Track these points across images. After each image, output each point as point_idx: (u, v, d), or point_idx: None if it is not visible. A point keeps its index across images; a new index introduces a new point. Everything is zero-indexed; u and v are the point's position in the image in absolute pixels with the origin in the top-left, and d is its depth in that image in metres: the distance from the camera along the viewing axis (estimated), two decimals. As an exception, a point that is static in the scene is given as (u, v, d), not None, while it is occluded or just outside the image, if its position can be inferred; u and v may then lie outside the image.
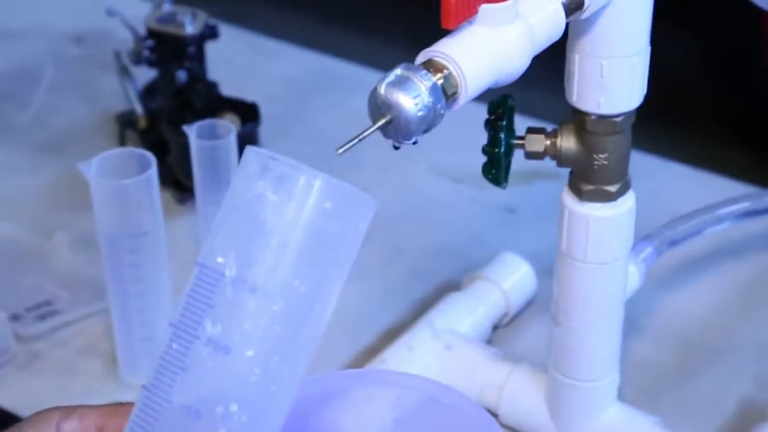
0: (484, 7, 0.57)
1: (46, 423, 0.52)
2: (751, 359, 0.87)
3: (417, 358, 0.83)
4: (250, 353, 0.47)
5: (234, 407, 0.48)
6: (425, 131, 0.57)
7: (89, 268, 0.97)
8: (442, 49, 0.57)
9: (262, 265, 0.47)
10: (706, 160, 1.09)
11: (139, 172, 0.81)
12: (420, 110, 0.55)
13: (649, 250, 0.79)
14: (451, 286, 0.92)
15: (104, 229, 0.82)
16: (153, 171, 0.81)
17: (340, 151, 0.54)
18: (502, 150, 0.70)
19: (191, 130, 0.89)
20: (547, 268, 0.92)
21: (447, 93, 0.56)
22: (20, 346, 0.90)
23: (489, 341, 0.88)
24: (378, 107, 0.56)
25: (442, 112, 0.56)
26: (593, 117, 0.68)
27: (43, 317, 0.93)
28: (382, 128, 0.56)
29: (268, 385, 0.48)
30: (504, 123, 0.70)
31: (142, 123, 1.09)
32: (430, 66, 0.56)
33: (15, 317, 0.91)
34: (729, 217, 0.82)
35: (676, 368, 0.87)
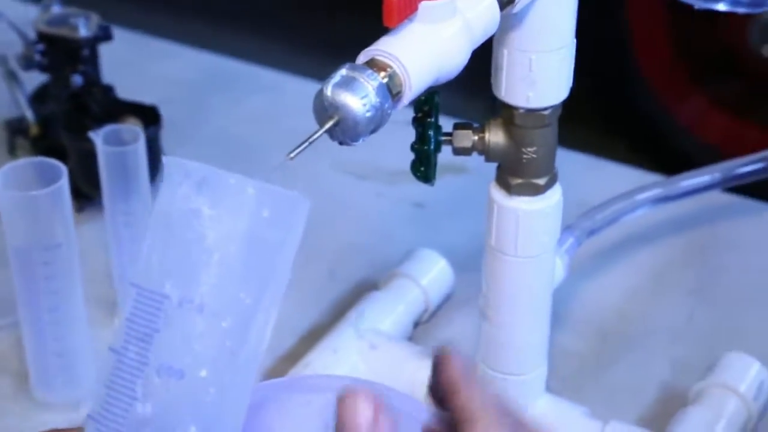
0: (423, 5, 0.57)
1: None
2: (666, 344, 0.89)
3: (342, 360, 0.82)
4: (203, 374, 0.46)
5: (192, 430, 0.46)
6: (372, 131, 0.56)
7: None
8: (385, 48, 0.56)
9: (206, 284, 0.46)
10: (590, 148, 1.11)
11: (45, 182, 0.78)
12: (368, 111, 0.55)
13: (570, 240, 0.80)
14: (368, 285, 0.92)
15: (14, 242, 0.79)
16: (64, 181, 0.78)
17: (291, 156, 0.53)
18: (432, 147, 0.70)
19: (97, 137, 0.86)
20: (460, 262, 0.92)
21: (392, 92, 0.56)
22: (-76, 367, 0.87)
23: (411, 338, 0.88)
24: (325, 109, 0.55)
25: (389, 111, 0.56)
26: (522, 111, 0.68)
27: (-55, 336, 0.89)
28: (328, 130, 0.55)
29: (223, 402, 0.47)
30: (432, 120, 0.70)
31: (34, 130, 1.06)
32: (374, 65, 0.56)
33: None
34: (644, 203, 0.84)
35: (597, 357, 0.88)
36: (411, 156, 1.05)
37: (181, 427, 0.46)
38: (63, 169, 0.78)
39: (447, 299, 0.92)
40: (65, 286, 0.81)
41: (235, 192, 0.47)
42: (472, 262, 0.94)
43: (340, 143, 0.56)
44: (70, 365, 0.83)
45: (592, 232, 0.82)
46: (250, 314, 0.47)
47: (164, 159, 0.48)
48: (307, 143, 0.54)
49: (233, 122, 1.12)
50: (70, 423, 0.53)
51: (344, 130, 0.55)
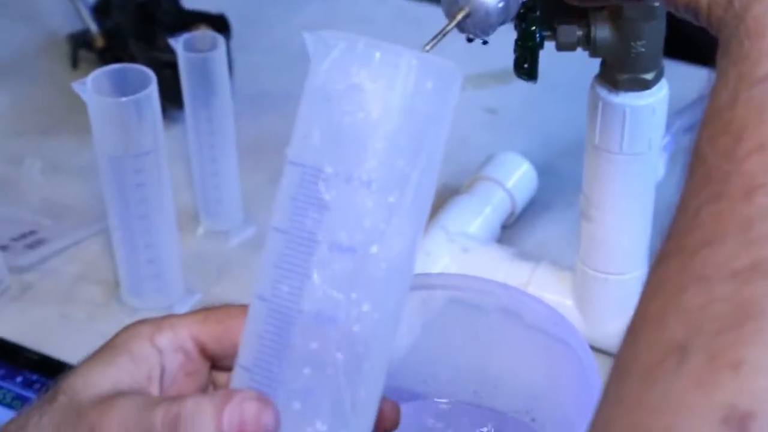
0: None
1: (140, 338, 0.49)
2: None
3: (435, 262, 0.82)
4: (374, 250, 0.45)
5: (366, 307, 0.46)
6: (501, 23, 0.55)
7: (65, 194, 0.94)
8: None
9: (373, 159, 0.45)
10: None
11: (132, 89, 0.77)
12: (500, 1, 0.54)
13: (667, 138, 0.79)
14: (449, 190, 0.91)
15: (105, 149, 0.78)
16: (153, 87, 0.77)
17: (427, 48, 0.52)
18: (537, 43, 0.69)
19: (177, 44, 0.85)
20: (537, 166, 0.91)
21: (522, -18, 0.55)
22: (12, 277, 0.87)
23: (499, 241, 0.87)
24: (455, 1, 0.54)
25: (518, 1, 0.55)
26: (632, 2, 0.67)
27: (31, 246, 0.89)
28: (459, 23, 0.54)
29: (392, 278, 0.46)
30: (536, 15, 0.69)
31: (100, 42, 1.05)
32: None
33: (2, 248, 0.87)
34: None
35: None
36: (478, 62, 1.04)
37: (355, 304, 0.45)
38: (152, 75, 0.78)
39: (531, 202, 0.91)
40: (155, 194, 0.80)
41: (397, 64, 0.45)
42: (548, 167, 0.94)
43: (469, 40, 0.55)
44: (160, 272, 0.83)
45: (688, 130, 0.81)
46: (415, 188, 0.46)
47: (306, 35, 0.47)
48: (440, 36, 0.53)
49: (289, 33, 1.11)
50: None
51: (475, 23, 0.54)
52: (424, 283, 0.69)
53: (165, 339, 0.49)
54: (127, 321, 0.82)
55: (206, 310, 0.50)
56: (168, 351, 0.49)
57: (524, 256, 0.82)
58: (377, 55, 0.45)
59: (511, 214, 0.89)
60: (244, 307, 0.49)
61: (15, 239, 0.89)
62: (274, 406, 0.44)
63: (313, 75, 0.46)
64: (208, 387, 0.50)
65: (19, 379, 0.79)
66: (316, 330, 0.45)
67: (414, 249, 0.47)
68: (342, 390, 0.45)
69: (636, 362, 0.38)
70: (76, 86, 0.77)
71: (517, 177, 0.90)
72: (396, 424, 0.50)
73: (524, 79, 0.71)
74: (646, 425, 0.36)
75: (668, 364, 0.37)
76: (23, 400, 0.78)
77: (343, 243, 0.45)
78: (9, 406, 0.78)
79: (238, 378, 0.46)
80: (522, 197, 0.90)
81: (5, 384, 0.79)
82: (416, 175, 0.46)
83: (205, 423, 0.44)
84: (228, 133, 0.88)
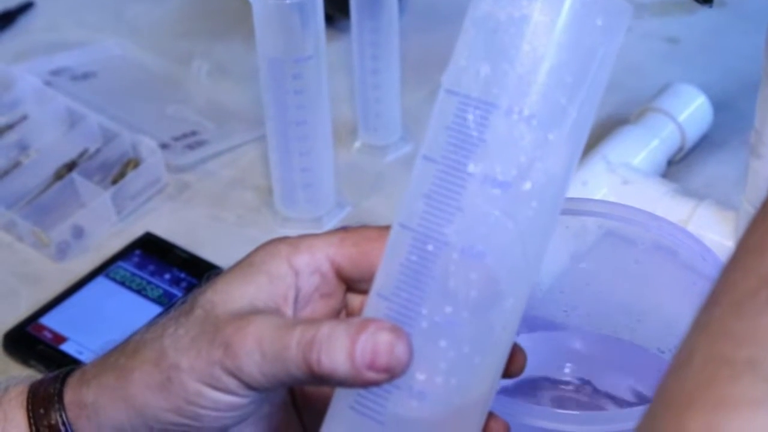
0: None
1: (277, 258, 0.48)
2: None
3: (592, 193, 0.79)
4: (527, 186, 0.43)
5: (513, 243, 0.44)
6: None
7: (229, 98, 0.94)
8: None
9: (536, 93, 0.43)
10: None
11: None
12: None
13: None
14: (617, 120, 0.88)
15: (267, 52, 0.78)
16: (318, -9, 0.76)
17: None
18: (717, -35, 0.64)
19: (347, -49, 0.83)
20: (715, 101, 0.87)
21: None
22: (169, 176, 0.87)
23: (664, 176, 0.84)
24: None
25: None
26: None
27: (191, 147, 0.89)
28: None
29: (543, 216, 0.44)
30: (719, -65, 0.64)
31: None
32: None
33: (163, 146, 0.88)
34: None
35: None
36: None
37: (501, 235, 0.44)
38: (317, -21, 0.76)
39: (703, 139, 0.87)
40: (313, 101, 0.79)
41: None
42: (728, 101, 0.89)
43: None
44: (313, 181, 0.82)
45: None
46: (574, 128, 0.44)
47: None
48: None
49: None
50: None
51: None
52: (575, 208, 0.66)
53: (302, 260, 0.48)
54: (277, 228, 0.84)
55: (343, 232, 0.49)
56: (304, 272, 0.48)
57: (687, 192, 0.78)
58: None
59: (680, 149, 0.85)
60: (380, 230, 0.48)
61: (176, 138, 0.90)
62: (408, 338, 0.43)
63: (477, 1, 0.44)
64: (341, 310, 0.50)
65: (167, 276, 0.80)
66: (461, 264, 0.43)
67: (566, 187, 0.45)
68: (479, 326, 0.44)
69: (728, 292, 0.36)
70: (241, -13, 0.76)
71: (691, 110, 0.85)
72: (521, 370, 0.49)
73: (700, 3, 0.67)
74: (728, 355, 0.34)
75: (761, 296, 0.35)
76: (170, 297, 0.79)
77: (497, 177, 0.43)
78: (156, 301, 0.79)
79: (374, 306, 0.45)
80: (693, 132, 0.85)
81: (154, 280, 0.80)
82: (576, 112, 0.44)
83: (339, 349, 0.43)
84: (392, 46, 0.86)
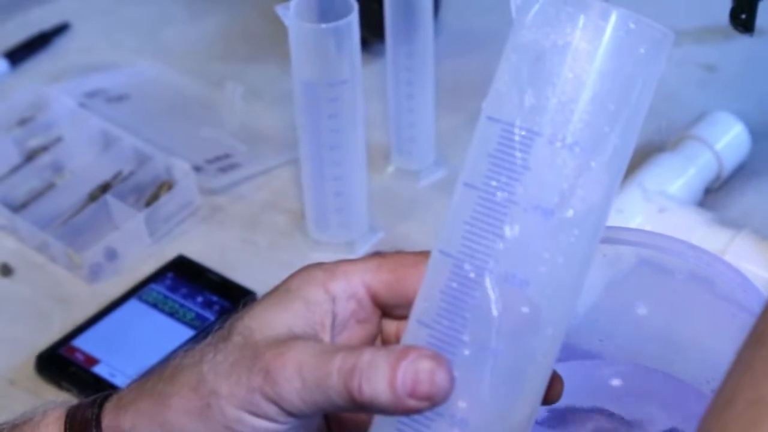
0: None
1: (314, 284, 0.48)
2: None
3: (627, 221, 0.78)
4: (570, 214, 0.43)
5: (554, 271, 0.44)
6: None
7: (263, 121, 0.94)
8: None
9: (579, 121, 0.43)
10: None
11: (335, 16, 0.76)
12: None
13: None
14: (653, 147, 0.87)
15: (302, 75, 0.78)
16: (355, 15, 0.76)
17: None
18: (758, -8, 0.64)
19: (384, -25, 0.83)
20: (754, 129, 0.86)
21: None
22: (202, 198, 0.87)
23: (701, 205, 0.83)
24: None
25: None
26: None
27: (224, 170, 0.89)
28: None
29: (584, 244, 0.44)
30: (759, -38, 0.64)
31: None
32: None
33: (196, 169, 0.88)
34: None
35: None
36: (699, 16, 0.99)
37: (545, 268, 0.44)
38: (354, 3, 0.76)
39: (740, 167, 0.86)
40: (347, 125, 0.79)
41: (611, 25, 0.43)
42: (765, 131, 0.88)
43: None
44: (346, 206, 0.82)
45: None
46: (615, 155, 0.44)
47: None
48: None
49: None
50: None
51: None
52: (612, 236, 0.65)
53: (338, 286, 0.48)
54: (309, 252, 0.84)
55: (379, 258, 0.49)
56: (341, 298, 0.48)
57: (725, 222, 0.77)
58: (592, 13, 0.43)
59: (717, 178, 0.84)
60: (417, 256, 0.48)
61: (209, 161, 0.90)
62: (449, 366, 0.43)
63: (519, 28, 0.44)
64: (377, 335, 0.50)
65: (199, 298, 0.80)
66: (503, 292, 0.43)
67: (606, 215, 0.45)
68: (521, 354, 0.44)
69: None
70: (279, 10, 0.76)
71: (728, 139, 0.84)
72: (559, 397, 0.49)
73: (740, 31, 0.67)
74: None
75: None
76: (202, 320, 0.79)
77: (540, 205, 0.43)
78: (189, 324, 0.79)
79: (414, 333, 0.45)
80: (731, 161, 0.84)
81: (186, 302, 0.80)
82: (618, 140, 0.44)
83: (380, 377, 0.43)
84: (427, 70, 0.86)
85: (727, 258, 0.75)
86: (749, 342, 0.36)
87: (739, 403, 0.35)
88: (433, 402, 0.43)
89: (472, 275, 0.44)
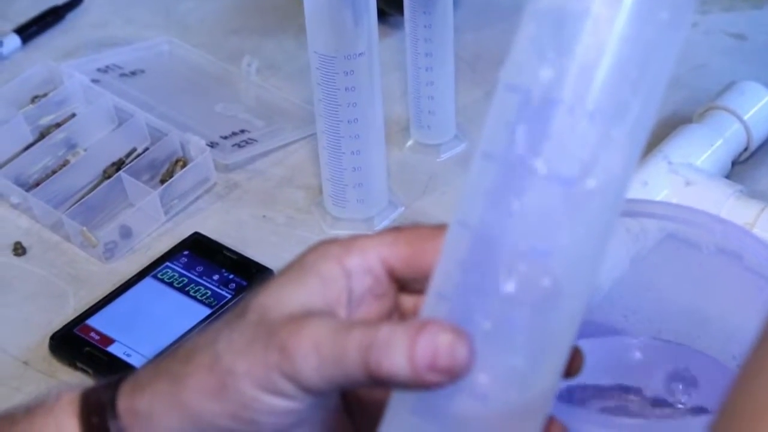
0: None
1: (329, 260, 0.47)
2: None
3: (653, 194, 0.76)
4: (591, 183, 0.42)
5: (575, 242, 0.42)
6: None
7: (280, 96, 0.92)
8: None
9: (600, 90, 0.42)
10: None
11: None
12: None
13: None
14: (681, 119, 0.85)
15: (318, 49, 0.76)
16: (371, -14, 0.74)
17: None
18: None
19: (401, -55, 0.81)
20: (783, 100, 0.84)
21: None
22: (218, 175, 0.86)
23: (728, 177, 0.81)
24: None
25: None
26: None
27: (240, 146, 0.88)
28: None
29: (605, 213, 0.43)
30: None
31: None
32: None
33: (212, 145, 0.87)
34: None
35: None
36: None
37: (566, 239, 0.42)
38: (369, -26, 0.74)
39: (769, 139, 0.84)
40: (365, 98, 0.77)
41: None
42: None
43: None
44: (364, 181, 0.80)
45: None
46: (636, 124, 0.42)
47: None
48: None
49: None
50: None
51: None
52: (637, 209, 0.64)
53: (354, 261, 0.47)
54: (327, 229, 0.82)
55: (395, 232, 0.48)
56: (357, 274, 0.47)
57: (753, 194, 0.76)
58: None
59: (746, 149, 0.82)
60: (434, 230, 0.47)
61: (225, 137, 0.89)
62: (469, 339, 0.42)
63: None
64: (394, 310, 0.49)
65: (215, 276, 0.79)
66: (524, 263, 0.42)
67: (627, 185, 0.44)
68: (542, 327, 0.43)
69: None
70: (293, -19, 0.74)
71: (757, 109, 0.82)
72: (579, 371, 0.47)
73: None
74: None
75: None
76: (218, 298, 0.77)
77: (560, 174, 0.42)
78: (205, 303, 0.77)
79: (432, 306, 0.44)
80: (760, 132, 0.82)
81: (202, 281, 0.79)
82: (639, 108, 0.42)
83: (399, 352, 0.42)
84: (446, 42, 0.84)
85: (756, 231, 0.73)
86: (765, 339, 0.35)
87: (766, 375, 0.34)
88: (452, 376, 0.42)
89: (490, 247, 0.42)
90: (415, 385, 0.42)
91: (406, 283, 0.48)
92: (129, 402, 0.47)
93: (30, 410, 0.49)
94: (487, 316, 0.43)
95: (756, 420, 0.33)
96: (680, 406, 0.63)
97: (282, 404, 0.45)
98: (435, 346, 0.42)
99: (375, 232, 0.49)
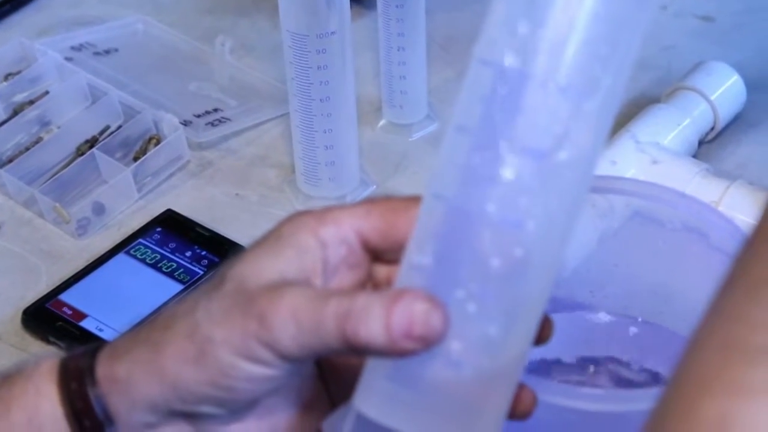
0: None
1: (304, 230, 0.47)
2: None
3: (621, 173, 0.77)
4: (562, 156, 0.43)
5: (547, 213, 0.43)
6: None
7: (254, 75, 0.93)
8: None
9: (572, 64, 0.43)
10: None
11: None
12: None
13: None
14: (649, 99, 0.86)
15: (290, 27, 0.76)
16: (344, -36, 0.75)
17: None
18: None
19: (373, -76, 0.82)
20: (750, 79, 0.85)
21: None
22: (191, 153, 0.86)
23: (694, 156, 0.82)
24: None
25: None
26: None
27: (213, 124, 0.88)
28: None
29: (576, 187, 0.44)
30: None
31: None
32: None
33: (185, 123, 0.87)
34: None
35: None
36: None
37: (538, 210, 0.43)
38: (342, -47, 0.75)
39: (736, 118, 0.85)
40: (337, 77, 0.78)
41: None
42: (763, 81, 0.87)
43: None
44: (337, 159, 0.81)
45: None
46: (606, 100, 0.43)
47: None
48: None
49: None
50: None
51: None
52: (603, 186, 0.65)
53: (328, 232, 0.48)
54: (299, 207, 0.83)
55: (368, 204, 0.49)
56: (332, 244, 0.48)
57: (719, 173, 0.77)
58: None
59: (712, 129, 0.83)
60: (407, 201, 0.48)
61: (199, 115, 0.89)
62: (444, 307, 0.43)
63: None
64: (368, 280, 0.49)
65: (188, 253, 0.79)
66: (496, 234, 0.43)
67: (597, 159, 0.45)
68: (513, 296, 0.44)
69: (744, 276, 0.36)
70: (265, -40, 0.75)
71: (724, 89, 0.83)
72: (548, 338, 0.49)
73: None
74: (743, 341, 0.34)
75: None
76: (191, 275, 0.78)
77: (533, 147, 0.43)
78: (177, 279, 0.78)
79: (406, 276, 0.45)
80: (726, 112, 0.83)
81: (175, 257, 0.79)
82: (610, 83, 0.43)
83: (375, 320, 0.44)
84: (418, 22, 0.84)
85: (721, 209, 0.74)
86: (722, 287, 0.36)
87: (710, 346, 0.35)
88: (427, 343, 0.43)
89: (463, 217, 0.43)
90: (391, 352, 0.44)
91: (380, 254, 0.49)
92: (108, 369, 0.48)
93: (8, 377, 0.50)
94: (460, 285, 0.44)
95: (696, 394, 0.34)
96: (641, 380, 0.64)
97: (259, 371, 0.46)
98: (411, 314, 0.43)
99: (349, 204, 0.50)
